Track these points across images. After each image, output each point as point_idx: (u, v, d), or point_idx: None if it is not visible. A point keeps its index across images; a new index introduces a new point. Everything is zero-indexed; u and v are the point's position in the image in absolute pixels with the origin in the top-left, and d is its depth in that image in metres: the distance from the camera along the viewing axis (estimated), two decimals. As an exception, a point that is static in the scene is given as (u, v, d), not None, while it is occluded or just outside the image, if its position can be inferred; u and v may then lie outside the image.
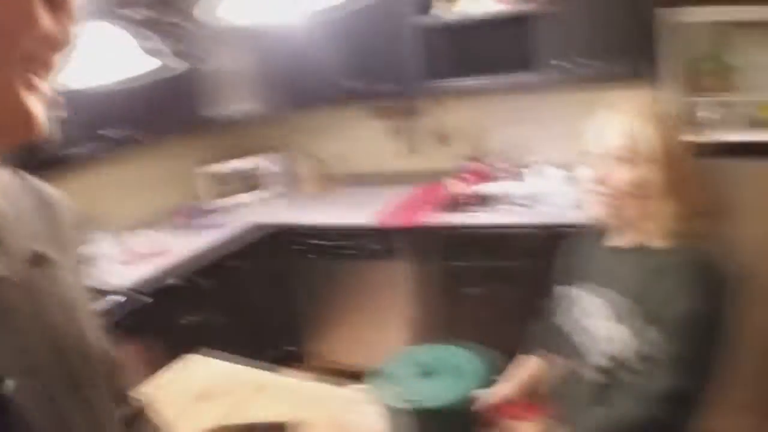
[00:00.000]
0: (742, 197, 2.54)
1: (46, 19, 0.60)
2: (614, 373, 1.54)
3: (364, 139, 4.46)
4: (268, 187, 4.53)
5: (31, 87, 0.61)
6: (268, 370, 2.28)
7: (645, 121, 1.51)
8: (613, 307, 1.56)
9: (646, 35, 2.84)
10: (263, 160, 4.49)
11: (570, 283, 1.75)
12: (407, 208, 3.71)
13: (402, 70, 3.63)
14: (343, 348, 4.13)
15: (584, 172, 1.60)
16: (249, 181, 4.50)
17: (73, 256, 0.92)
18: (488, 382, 1.68)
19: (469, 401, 1.62)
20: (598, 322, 1.59)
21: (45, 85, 0.63)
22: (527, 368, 1.89)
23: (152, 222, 4.07)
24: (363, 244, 3.74)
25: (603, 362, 1.57)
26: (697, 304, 1.42)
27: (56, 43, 0.62)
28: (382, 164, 4.38)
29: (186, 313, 3.65)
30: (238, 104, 4.17)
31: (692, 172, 1.55)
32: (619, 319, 1.53)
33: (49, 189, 0.94)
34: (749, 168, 2.59)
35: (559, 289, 1.79)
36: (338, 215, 3.91)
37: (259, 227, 4.10)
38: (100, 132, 3.46)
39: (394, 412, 1.60)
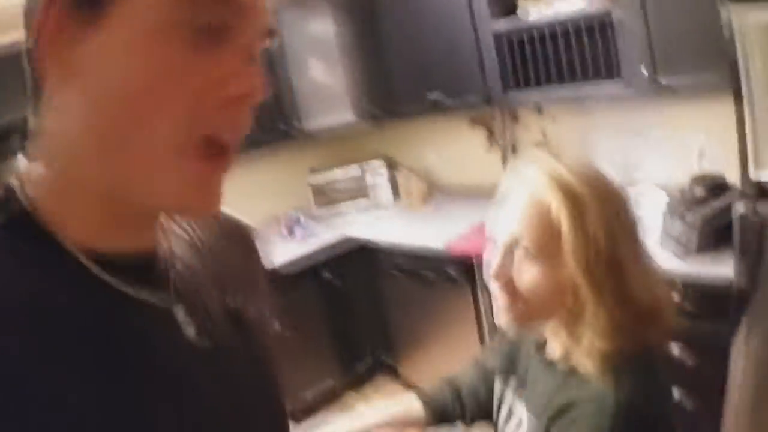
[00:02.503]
0: None
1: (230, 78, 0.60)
2: None
3: (464, 151, 4.32)
4: (371, 197, 4.55)
5: (218, 165, 0.62)
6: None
7: (560, 199, 1.12)
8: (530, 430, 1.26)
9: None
10: (367, 170, 4.51)
11: (506, 380, 1.43)
12: (482, 232, 3.50)
13: (483, 80, 3.45)
14: (420, 369, 4.12)
15: (487, 264, 1.22)
16: (353, 191, 4.54)
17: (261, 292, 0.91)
18: None
19: None
20: None
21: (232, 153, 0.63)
22: (395, 410, 1.63)
23: (257, 229, 4.21)
24: (442, 269, 3.62)
25: None
26: None
27: (245, 98, 0.62)
28: (483, 176, 4.19)
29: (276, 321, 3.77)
30: (335, 115, 4.22)
31: (628, 269, 1.12)
32: None
33: (238, 221, 0.95)
34: None
35: (497, 385, 1.46)
36: (428, 235, 3.79)
37: (351, 240, 4.15)
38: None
39: None
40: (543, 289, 1.14)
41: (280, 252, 4.00)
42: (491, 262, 1.19)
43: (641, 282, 1.12)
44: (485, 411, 1.53)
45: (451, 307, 3.68)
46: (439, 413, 1.57)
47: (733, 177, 2.47)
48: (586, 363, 1.11)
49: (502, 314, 1.21)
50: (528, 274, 1.14)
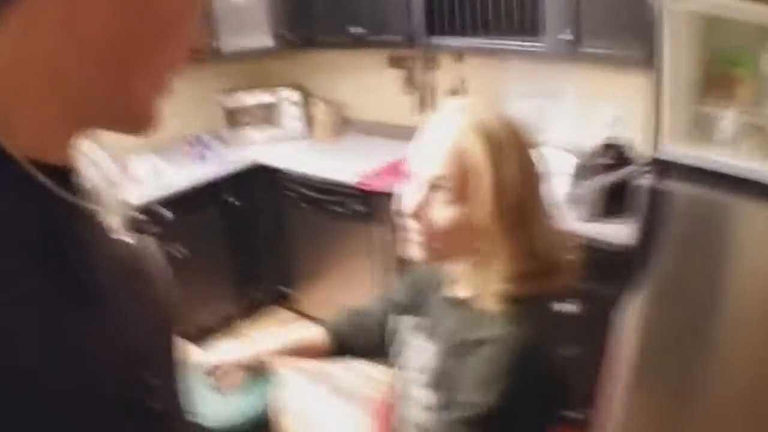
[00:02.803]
0: (740, 241, 2.22)
1: (192, 24, 0.66)
2: None
3: (379, 88, 4.33)
4: (281, 124, 4.51)
5: (165, 91, 0.68)
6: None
7: (480, 142, 1.16)
8: (431, 370, 1.32)
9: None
10: (278, 96, 4.46)
11: (412, 314, 1.46)
12: (393, 170, 3.56)
13: (408, 22, 3.45)
14: (316, 300, 4.20)
15: (404, 201, 1.26)
16: (263, 116, 4.49)
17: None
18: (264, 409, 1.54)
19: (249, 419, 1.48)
20: (420, 378, 1.36)
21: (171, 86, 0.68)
22: (297, 337, 1.69)
23: (159, 147, 4.13)
24: (345, 202, 3.69)
25: (411, 429, 1.39)
26: (496, 397, 1.14)
27: (200, 49, 0.69)
28: (397, 116, 4.23)
29: (169, 242, 3.74)
30: (252, 38, 4.14)
31: (536, 216, 1.21)
32: (431, 384, 1.31)
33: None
34: (759, 210, 2.15)
35: (400, 320, 1.50)
36: (333, 168, 3.84)
37: (259, 167, 4.14)
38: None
39: None
40: (457, 230, 1.19)
41: (186, 173, 3.95)
42: (410, 199, 1.23)
43: (546, 234, 1.22)
44: (386, 346, 1.58)
45: (351, 241, 3.77)
46: (341, 344, 1.63)
47: (639, 149, 2.59)
48: (492, 304, 1.18)
49: (415, 250, 1.26)
50: (445, 215, 1.19)
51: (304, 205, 3.97)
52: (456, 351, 1.23)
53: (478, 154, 1.15)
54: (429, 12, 3.36)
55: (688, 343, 2.47)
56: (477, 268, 1.22)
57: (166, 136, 4.31)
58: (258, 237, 4.32)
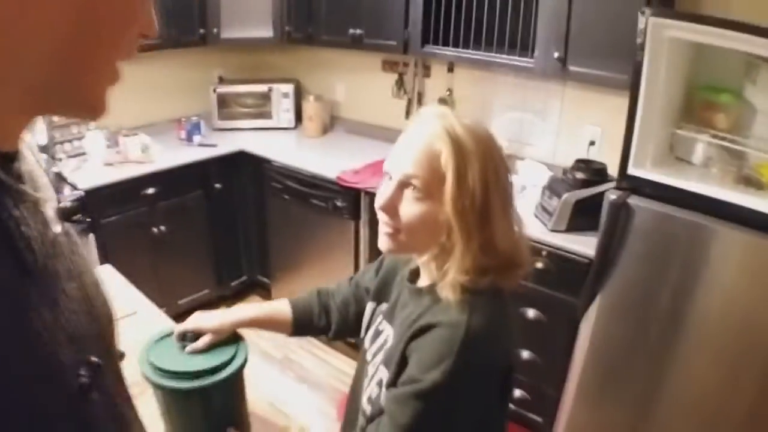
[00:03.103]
0: (701, 263, 2.34)
1: (145, 12, 0.67)
2: (370, 419, 1.43)
3: (370, 90, 4.48)
4: (273, 116, 4.65)
5: (115, 79, 0.68)
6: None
7: (449, 146, 1.27)
8: (387, 348, 1.44)
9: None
10: (274, 89, 4.59)
11: (377, 301, 1.61)
12: (373, 170, 3.69)
13: (405, 28, 3.61)
14: (293, 291, 4.29)
15: (377, 197, 1.38)
16: (256, 107, 4.63)
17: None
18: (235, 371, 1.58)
19: (211, 386, 1.52)
20: (378, 357, 1.48)
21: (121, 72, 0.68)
22: (267, 308, 1.80)
23: (152, 129, 4.26)
24: (329, 197, 3.81)
25: (365, 403, 1.48)
26: (443, 376, 1.22)
27: (152, 31, 0.68)
28: (384, 119, 4.38)
29: (153, 222, 3.89)
30: (253, 28, 4.27)
31: (495, 221, 1.30)
32: (386, 361, 1.41)
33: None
34: (722, 233, 2.27)
35: (368, 305, 1.64)
36: (319, 162, 3.97)
37: (246, 155, 4.27)
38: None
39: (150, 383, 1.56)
40: (422, 224, 1.30)
41: (174, 155, 4.06)
42: (382, 194, 1.34)
43: (505, 235, 1.31)
44: (350, 328, 1.73)
45: (332, 235, 3.88)
46: (304, 322, 1.76)
47: (613, 169, 2.74)
48: (449, 293, 1.27)
49: (384, 241, 1.37)
50: (412, 210, 1.30)
51: (286, 196, 4.08)
52: (411, 332, 1.31)
53: (445, 158, 1.25)
54: (426, 21, 3.51)
55: (640, 356, 2.60)
56: (438, 260, 1.33)
57: (159, 117, 4.44)
58: (239, 224, 4.44)
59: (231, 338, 1.63)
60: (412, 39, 3.60)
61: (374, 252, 3.62)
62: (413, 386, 1.25)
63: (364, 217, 3.70)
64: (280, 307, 1.77)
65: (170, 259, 4.02)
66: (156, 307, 2.33)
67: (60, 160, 3.82)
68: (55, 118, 3.80)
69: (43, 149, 3.69)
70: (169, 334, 1.63)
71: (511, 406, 3.19)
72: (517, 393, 3.19)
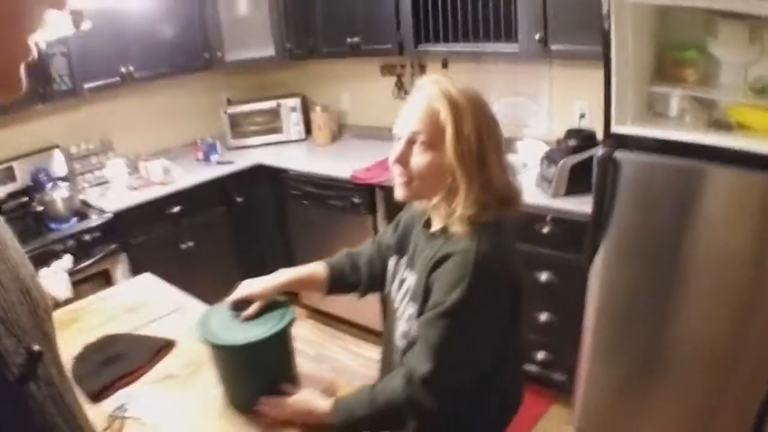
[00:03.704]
0: (688, 202, 2.60)
1: None
2: (406, 351, 1.66)
3: (372, 95, 4.84)
4: (281, 130, 5.02)
5: (28, 52, 0.68)
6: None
7: (443, 106, 1.55)
8: (412, 288, 1.70)
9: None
10: (281, 105, 4.96)
11: (399, 254, 1.88)
12: (383, 166, 3.99)
13: (397, 31, 3.96)
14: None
15: (390, 154, 1.66)
16: (265, 123, 5.00)
17: None
18: (285, 329, 1.79)
19: (264, 343, 1.72)
20: (404, 299, 1.74)
21: (33, 46, 0.69)
22: (307, 269, 2.04)
23: (170, 153, 4.64)
24: (345, 196, 4.14)
25: (399, 340, 1.74)
26: (463, 294, 1.49)
27: (58, 4, 0.69)
28: (388, 120, 4.61)
29: (179, 239, 4.22)
30: (256, 49, 4.63)
31: (490, 161, 1.58)
32: (412, 298, 1.68)
33: None
34: (702, 172, 2.55)
35: (390, 259, 1.92)
36: (332, 166, 4.30)
37: (263, 168, 4.61)
38: (119, 68, 4.04)
39: (209, 348, 1.79)
40: (430, 171, 1.59)
41: (194, 174, 4.40)
42: (395, 150, 1.63)
43: (500, 175, 1.60)
44: (378, 282, 2.01)
45: (351, 232, 4.18)
46: (337, 278, 2.03)
47: (596, 130, 3.07)
48: (458, 227, 1.56)
49: (399, 190, 1.66)
50: (421, 160, 1.59)
51: (305, 201, 4.42)
52: (430, 266, 1.59)
53: (443, 113, 1.55)
54: (416, 22, 3.86)
55: (644, 301, 2.86)
56: (446, 200, 1.60)
57: (176, 142, 4.83)
58: (262, 233, 4.76)
59: (277, 303, 1.88)
60: (405, 40, 3.95)
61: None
62: (438, 308, 1.52)
63: (380, 210, 4.03)
64: (316, 267, 2.05)
65: (199, 273, 4.30)
66: (198, 302, 2.60)
67: (83, 189, 4.19)
68: (74, 149, 4.22)
69: (65, 179, 4.06)
70: (221, 307, 1.90)
71: (535, 368, 3.48)
72: (540, 355, 3.47)
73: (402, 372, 1.59)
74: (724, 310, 2.65)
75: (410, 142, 1.61)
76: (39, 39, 0.68)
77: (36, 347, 0.74)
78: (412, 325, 1.65)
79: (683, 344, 2.81)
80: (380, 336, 4.12)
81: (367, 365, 4.18)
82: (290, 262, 4.61)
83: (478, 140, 1.55)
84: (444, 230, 1.63)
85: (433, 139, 1.56)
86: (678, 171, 2.61)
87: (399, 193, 1.68)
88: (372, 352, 4.30)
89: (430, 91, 1.60)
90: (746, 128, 2.56)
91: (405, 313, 1.72)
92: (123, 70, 4.04)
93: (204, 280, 4.33)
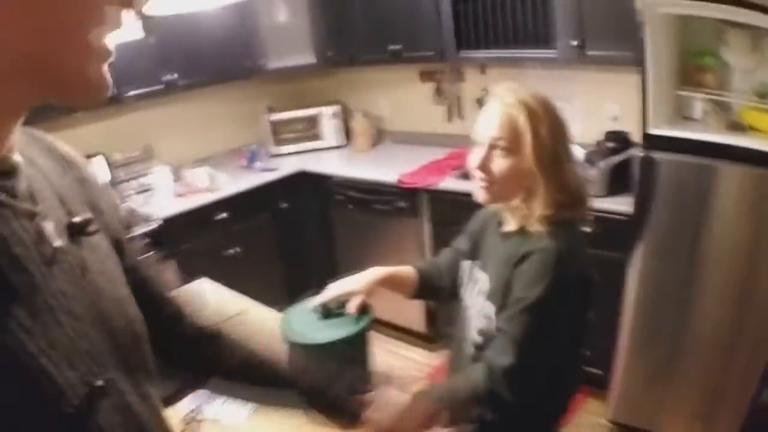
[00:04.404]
0: (713, 197, 2.83)
1: None
2: (483, 347, 1.76)
3: (411, 101, 5.05)
4: (322, 137, 5.24)
5: (104, 54, 0.69)
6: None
7: (520, 112, 1.66)
8: (489, 285, 1.79)
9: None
10: (321, 112, 5.18)
11: (471, 258, 1.97)
12: (429, 170, 4.24)
13: (438, 38, 4.15)
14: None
15: (470, 160, 1.77)
16: (306, 130, 5.21)
17: (106, 213, 0.96)
18: (366, 329, 1.85)
19: (349, 340, 1.79)
20: (478, 299, 1.83)
21: (107, 48, 0.70)
22: (396, 268, 2.10)
23: (213, 160, 4.88)
24: (391, 200, 4.33)
25: (476, 336, 1.82)
26: (544, 290, 1.59)
27: (127, 3, 0.70)
28: (428, 126, 4.95)
29: (225, 245, 4.43)
30: (296, 56, 4.85)
31: (565, 163, 1.71)
32: (489, 296, 1.76)
33: (65, 147, 0.98)
34: (725, 170, 2.79)
35: (463, 264, 2.01)
36: (374, 171, 4.51)
37: (307, 174, 4.82)
38: (163, 77, 4.24)
39: (291, 345, 1.81)
40: (511, 174, 1.70)
41: (239, 181, 4.60)
42: (477, 156, 1.73)
43: (573, 175, 1.72)
44: (456, 288, 2.06)
45: (396, 236, 4.39)
46: (426, 282, 2.12)
47: (636, 135, 3.28)
48: (538, 226, 1.68)
49: (481, 194, 1.78)
50: (502, 164, 1.70)
51: (350, 206, 4.62)
52: (508, 265, 1.70)
53: (522, 120, 1.66)
54: (457, 28, 4.05)
55: (674, 292, 3.08)
56: (525, 202, 1.72)
57: (219, 150, 5.07)
58: (307, 237, 4.96)
59: (361, 309, 1.91)
60: (446, 47, 4.14)
61: (438, 245, 4.06)
62: (520, 304, 1.63)
63: (426, 214, 4.22)
64: (406, 269, 2.14)
65: (245, 278, 4.40)
66: (261, 305, 2.74)
67: (128, 197, 4.35)
68: (117, 156, 4.39)
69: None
70: (304, 308, 1.97)
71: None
72: (579, 351, 3.60)
73: (482, 366, 1.69)
74: (739, 293, 2.90)
75: (491, 148, 1.72)
76: (112, 40, 0.70)
77: (99, 382, 0.74)
78: (490, 323, 1.76)
79: (703, 328, 3.04)
80: (421, 337, 4.35)
81: (410, 366, 4.34)
82: (335, 268, 4.86)
83: (554, 144, 1.68)
84: (520, 230, 1.75)
85: (513, 145, 1.68)
86: (703, 169, 2.84)
87: (481, 197, 1.80)
88: (414, 353, 4.49)
89: (507, 98, 1.71)
90: (756, 130, 2.83)
91: (481, 311, 1.81)
92: (167, 77, 4.23)
93: (251, 286, 4.49)
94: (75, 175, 0.92)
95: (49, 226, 0.74)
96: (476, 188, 1.80)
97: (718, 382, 3.07)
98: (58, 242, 0.75)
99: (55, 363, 0.67)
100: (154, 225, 3.99)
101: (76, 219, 0.82)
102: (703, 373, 3.11)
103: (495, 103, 1.74)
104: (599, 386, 3.58)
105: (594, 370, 3.55)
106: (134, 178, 4.48)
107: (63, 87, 0.68)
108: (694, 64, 3.02)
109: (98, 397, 0.73)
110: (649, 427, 3.39)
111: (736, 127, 2.91)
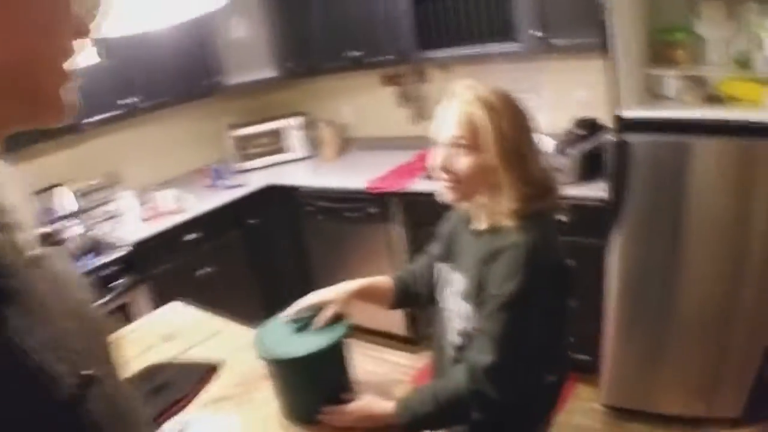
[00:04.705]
0: (692, 175, 2.84)
1: (77, 8, 0.71)
2: (463, 348, 1.78)
3: (375, 106, 5.06)
4: (287, 149, 5.21)
5: (66, 77, 0.72)
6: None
7: (480, 109, 1.66)
8: (464, 285, 1.79)
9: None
10: (285, 124, 5.16)
11: (445, 260, 1.97)
12: (398, 174, 4.24)
13: (396, 40, 4.15)
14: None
15: (432, 161, 1.77)
16: (270, 144, 5.18)
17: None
18: (346, 337, 1.87)
19: (323, 353, 1.79)
20: (455, 300, 1.83)
21: (74, 71, 0.73)
22: (371, 280, 2.13)
23: (178, 181, 4.83)
24: (360, 207, 4.32)
25: (456, 338, 1.83)
26: (519, 285, 1.59)
27: (84, 30, 0.73)
28: (394, 129, 4.95)
29: (198, 266, 4.38)
30: (256, 71, 4.83)
31: (530, 155, 1.71)
32: (466, 297, 1.76)
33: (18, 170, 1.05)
34: (703, 146, 2.79)
35: (438, 267, 2.01)
36: (343, 179, 4.50)
37: (271, 187, 4.79)
38: (122, 101, 4.19)
39: (266, 362, 1.86)
40: (475, 172, 1.69)
41: (206, 201, 4.55)
42: (438, 156, 1.74)
43: (537, 166, 1.73)
44: (433, 292, 2.06)
45: (368, 242, 4.38)
46: (403, 291, 2.15)
47: (604, 119, 3.32)
48: (506, 221, 1.68)
49: (446, 193, 1.78)
50: (465, 162, 1.70)
51: (320, 216, 4.61)
52: (481, 264, 1.70)
53: (481, 116, 1.66)
54: (416, 29, 4.05)
55: (658, 272, 3.10)
56: (492, 197, 1.72)
57: (184, 170, 5.03)
58: (279, 251, 4.92)
59: (336, 319, 1.93)
60: (407, 49, 4.15)
61: (416, 248, 4.05)
62: (496, 301, 1.63)
63: (400, 218, 4.21)
64: (382, 279, 2.17)
65: (220, 297, 4.37)
66: (236, 324, 2.69)
67: (93, 225, 4.29)
68: (80, 185, 4.33)
69: (74, 216, 4.17)
70: (276, 322, 1.99)
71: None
72: (564, 339, 3.61)
73: (463, 367, 1.70)
74: (724, 267, 2.93)
75: (452, 147, 1.72)
76: (70, 67, 0.73)
77: (89, 371, 0.76)
78: (468, 323, 1.76)
79: (692, 305, 3.07)
80: (403, 340, 4.34)
81: (396, 370, 4.28)
82: (310, 280, 4.82)
83: (517, 137, 1.68)
84: (491, 227, 1.75)
85: (475, 142, 1.68)
86: (680, 147, 2.85)
87: (447, 197, 1.80)
88: (397, 357, 4.45)
89: (466, 96, 1.71)
90: (736, 100, 2.86)
91: (459, 313, 1.82)
92: (126, 101, 4.18)
93: (227, 304, 4.45)
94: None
95: (26, 236, 0.77)
96: (441, 189, 1.80)
97: (718, 357, 3.09)
98: (37, 250, 0.78)
99: (46, 358, 0.70)
100: (123, 251, 3.94)
101: (45, 229, 0.86)
102: (699, 350, 3.14)
103: (453, 102, 1.74)
104: (588, 371, 3.59)
105: (582, 356, 3.58)
106: (100, 206, 4.44)
107: (35, 108, 0.72)
108: (665, 41, 3.05)
109: (87, 386, 0.75)
110: (644, 408, 3.41)
111: (714, 99, 2.94)
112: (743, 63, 2.83)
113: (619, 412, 3.52)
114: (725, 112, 2.77)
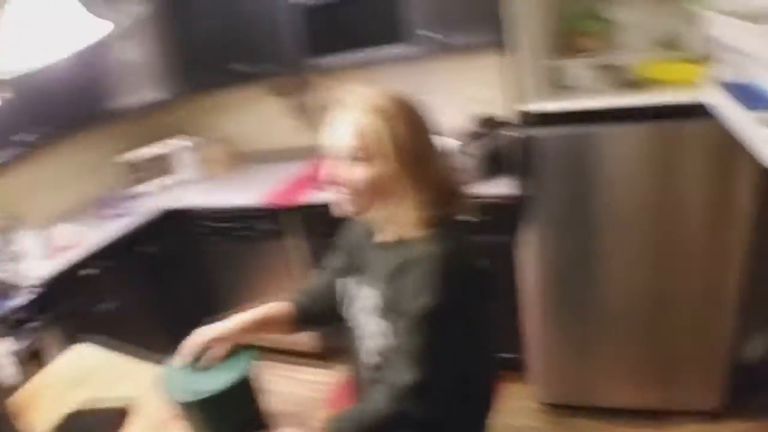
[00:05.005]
0: (605, 163, 2.89)
1: None
2: (380, 367, 1.70)
3: (266, 118, 5.02)
4: (179, 171, 5.11)
5: None
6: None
7: (373, 116, 1.59)
8: (374, 301, 1.71)
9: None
10: (173, 145, 5.06)
11: (349, 274, 1.90)
12: (293, 186, 4.23)
13: (282, 49, 4.11)
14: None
15: (327, 174, 1.69)
16: (161, 167, 5.07)
17: None
18: (249, 370, 1.81)
19: (227, 390, 1.73)
20: (367, 317, 1.76)
21: None
22: (265, 309, 2.01)
23: (73, 215, 4.67)
24: (255, 224, 4.28)
25: (372, 357, 1.75)
26: (434, 298, 1.52)
27: None
28: (286, 141, 4.95)
29: (101, 300, 4.23)
30: (141, 93, 4.70)
31: (430, 159, 1.66)
32: (381, 313, 1.69)
33: None
34: (615, 134, 2.82)
35: (342, 282, 1.94)
36: (237, 197, 4.43)
37: (166, 212, 4.67)
38: (13, 138, 4.00)
39: (174, 404, 1.77)
40: (374, 182, 1.62)
41: (97, 233, 4.39)
42: (334, 168, 1.66)
43: (438, 169, 1.67)
44: (339, 309, 1.98)
45: (268, 259, 4.35)
46: (303, 312, 2.05)
47: (504, 115, 3.34)
48: (413, 231, 1.63)
49: (346, 207, 1.70)
50: (362, 173, 1.61)
51: (214, 237, 4.53)
52: (393, 278, 1.64)
53: (376, 124, 1.59)
54: (304, 37, 4.01)
55: (582, 264, 3.15)
56: (396, 207, 1.65)
57: (80, 202, 4.85)
58: (181, 278, 4.79)
59: (239, 348, 1.89)
60: (294, 58, 4.10)
61: (314, 263, 4.12)
62: (410, 317, 1.56)
63: (300, 232, 4.17)
64: (276, 305, 2.05)
65: (126, 332, 4.23)
66: (142, 362, 2.61)
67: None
68: None
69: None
70: (178, 361, 1.92)
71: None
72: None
73: (382, 387, 1.62)
74: (650, 254, 3.00)
75: (348, 158, 1.63)
76: None
77: None
78: (387, 341, 1.68)
79: (619, 295, 3.13)
80: (314, 356, 4.29)
81: (312, 388, 4.27)
82: (214, 303, 4.73)
83: (414, 141, 1.62)
84: (398, 239, 1.69)
85: (371, 152, 1.60)
86: (590, 137, 2.89)
87: (345, 210, 1.72)
88: (310, 375, 4.43)
89: (355, 103, 1.64)
90: (658, 82, 2.89)
91: (372, 330, 1.75)
92: (16, 138, 4.00)
93: (134, 338, 4.31)
94: None
95: None
96: (337, 201, 1.72)
97: (664, 346, 3.14)
98: None
99: None
100: (29, 292, 3.77)
101: None
102: (635, 339, 3.19)
103: (343, 110, 1.66)
104: (516, 369, 3.63)
105: (507, 355, 3.59)
106: (1, 248, 4.20)
107: None
108: (574, 30, 3.09)
109: None
110: (586, 403, 3.45)
111: (632, 85, 2.97)
112: (668, 43, 2.87)
113: (558, 408, 3.55)
114: (644, 97, 2.79)
